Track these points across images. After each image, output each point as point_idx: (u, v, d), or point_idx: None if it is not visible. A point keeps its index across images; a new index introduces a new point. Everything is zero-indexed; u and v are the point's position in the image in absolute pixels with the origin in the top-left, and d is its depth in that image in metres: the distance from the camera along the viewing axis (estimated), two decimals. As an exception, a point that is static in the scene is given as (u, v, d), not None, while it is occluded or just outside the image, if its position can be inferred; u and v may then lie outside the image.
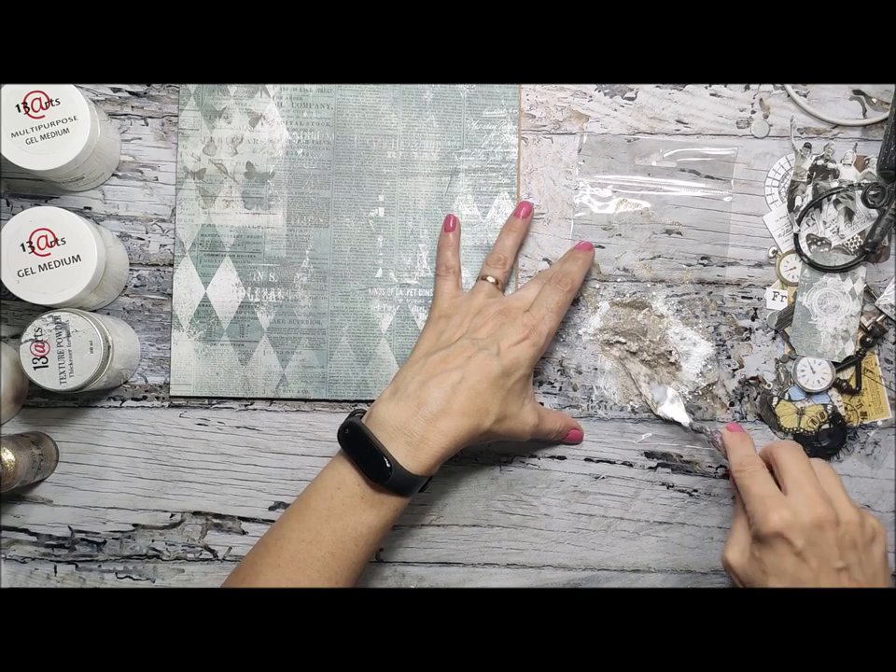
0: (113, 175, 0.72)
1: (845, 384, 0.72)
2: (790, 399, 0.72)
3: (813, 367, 0.71)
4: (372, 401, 0.72)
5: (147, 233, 0.72)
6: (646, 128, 0.73)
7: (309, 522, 0.61)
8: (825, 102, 0.72)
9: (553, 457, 0.72)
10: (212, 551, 0.72)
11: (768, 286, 0.72)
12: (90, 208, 0.72)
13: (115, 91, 0.72)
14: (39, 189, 0.72)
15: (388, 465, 0.60)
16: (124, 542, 0.72)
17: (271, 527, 0.63)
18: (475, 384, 0.62)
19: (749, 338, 0.72)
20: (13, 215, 0.65)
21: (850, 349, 0.71)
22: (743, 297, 0.72)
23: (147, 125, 0.72)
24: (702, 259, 0.72)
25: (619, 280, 0.72)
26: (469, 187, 0.72)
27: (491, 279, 0.69)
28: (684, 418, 0.70)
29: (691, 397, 0.71)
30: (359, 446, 0.61)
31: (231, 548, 0.72)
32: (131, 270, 0.72)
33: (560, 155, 0.73)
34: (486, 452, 0.72)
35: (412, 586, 0.73)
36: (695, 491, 0.72)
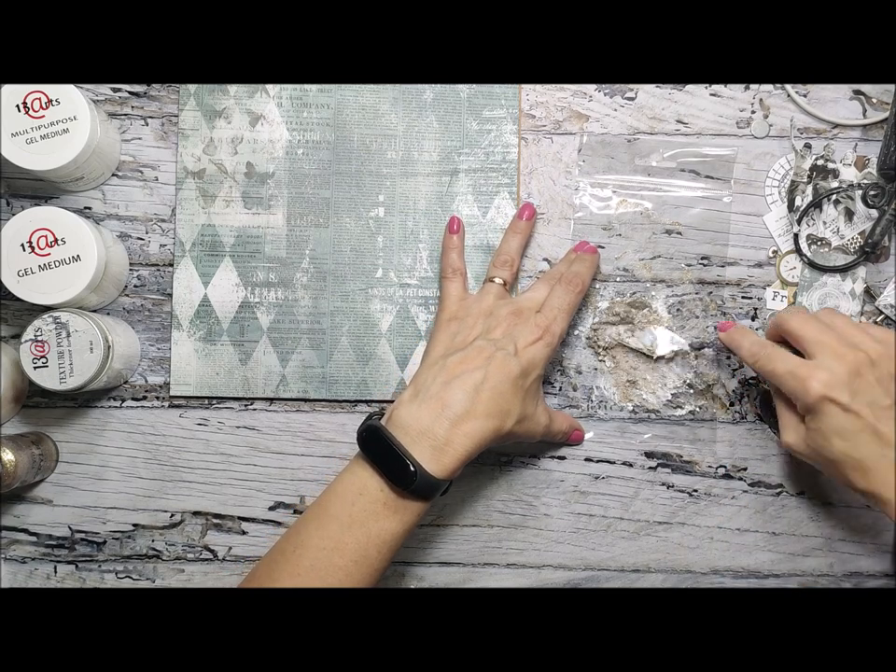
0: (113, 175, 0.72)
1: (845, 384, 0.72)
2: (790, 399, 0.72)
3: (813, 367, 0.71)
4: (373, 401, 0.72)
5: (147, 233, 0.72)
6: (646, 128, 0.73)
7: (329, 529, 0.60)
8: (825, 102, 0.72)
9: (552, 457, 0.72)
10: (212, 551, 0.72)
11: (768, 286, 0.72)
12: (90, 208, 0.72)
13: (115, 90, 0.72)
14: (39, 188, 0.72)
15: (413, 469, 0.59)
16: (124, 542, 0.72)
17: (286, 534, 0.62)
18: (497, 384, 0.62)
19: (748, 338, 0.72)
20: (13, 215, 0.65)
21: (850, 349, 0.71)
22: (743, 297, 0.72)
23: (147, 125, 0.72)
24: (702, 259, 0.72)
25: (619, 280, 0.72)
26: (469, 187, 0.72)
27: (499, 280, 0.69)
28: (682, 343, 0.71)
29: (675, 328, 0.72)
30: (382, 451, 0.60)
31: (230, 548, 0.72)
32: (131, 270, 0.72)
33: (560, 155, 0.73)
34: (486, 452, 0.72)
35: (412, 586, 0.73)
36: (695, 491, 0.72)
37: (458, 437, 0.60)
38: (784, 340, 0.65)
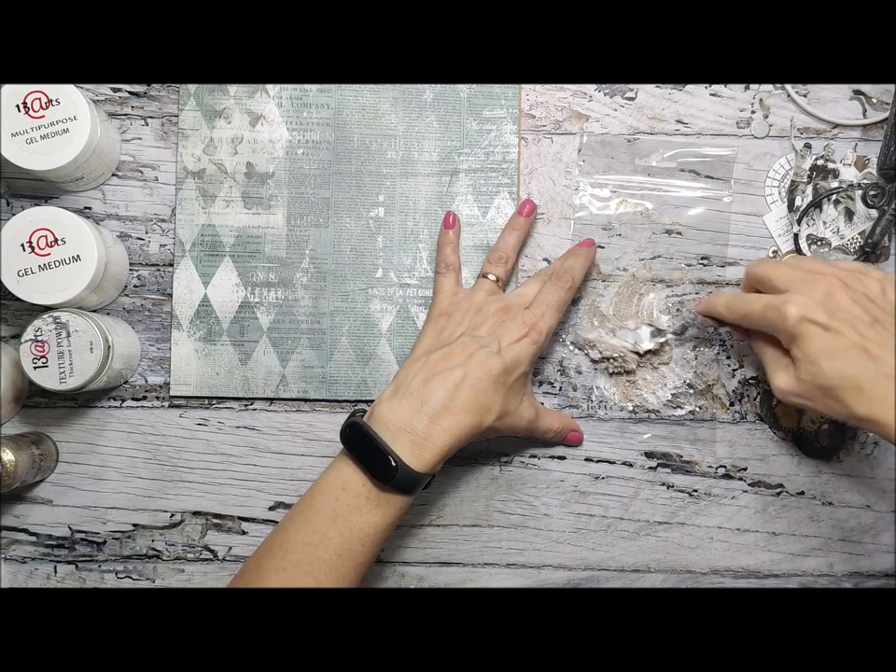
0: (113, 175, 0.72)
1: (845, 384, 0.72)
2: (790, 399, 0.72)
3: (813, 367, 0.71)
4: (373, 401, 0.72)
5: (146, 233, 0.72)
6: (646, 128, 0.73)
7: (314, 524, 0.61)
8: (825, 102, 0.72)
9: (553, 457, 0.72)
10: (212, 551, 0.72)
11: (767, 286, 0.72)
12: (90, 208, 0.72)
13: (115, 90, 0.72)
14: (39, 188, 0.72)
15: (394, 464, 0.60)
16: (124, 542, 0.72)
17: (273, 531, 0.63)
18: (477, 381, 0.62)
19: (748, 338, 0.72)
20: (13, 215, 0.65)
21: (850, 349, 0.71)
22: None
23: (147, 125, 0.72)
24: (702, 259, 0.72)
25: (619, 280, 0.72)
26: (469, 187, 0.72)
27: (492, 277, 0.69)
28: (666, 331, 0.71)
29: (660, 314, 0.72)
30: (364, 446, 0.61)
31: (230, 548, 0.72)
32: (131, 270, 0.72)
33: (560, 155, 0.73)
34: (486, 451, 0.72)
35: (411, 586, 0.73)
36: (695, 491, 0.72)
37: (437, 432, 0.61)
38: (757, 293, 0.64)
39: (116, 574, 0.72)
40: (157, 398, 0.72)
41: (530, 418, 0.67)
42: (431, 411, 0.61)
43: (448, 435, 0.61)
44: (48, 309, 0.65)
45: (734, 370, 0.72)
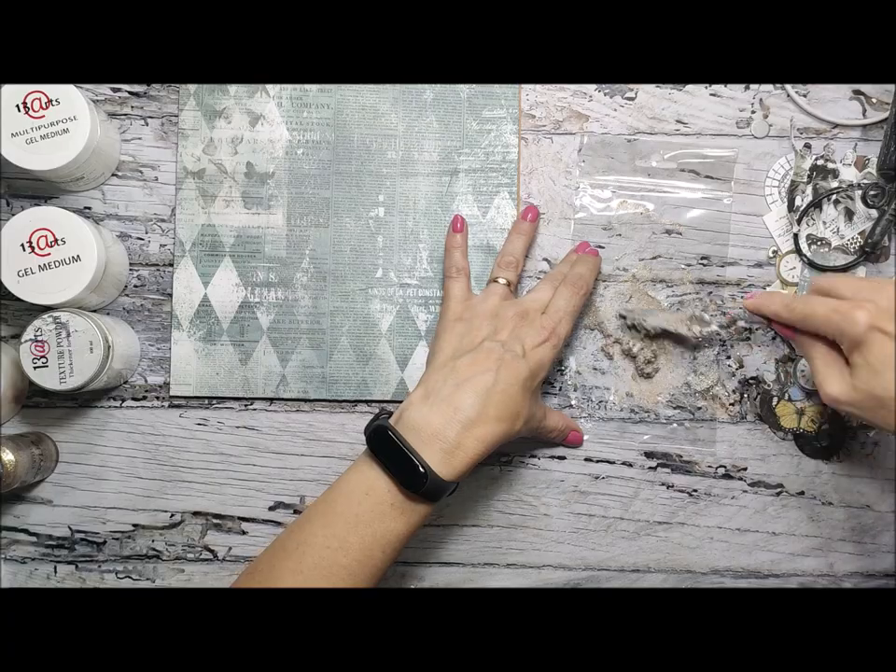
0: (113, 175, 0.72)
1: (845, 384, 0.72)
2: (790, 399, 0.72)
3: (813, 367, 0.71)
4: (373, 401, 0.72)
5: (146, 233, 0.72)
6: (646, 128, 0.73)
7: (334, 528, 0.60)
8: (825, 102, 0.72)
9: (553, 457, 0.72)
10: (212, 551, 0.72)
11: (768, 286, 0.72)
12: (90, 208, 0.72)
13: (115, 90, 0.72)
14: (39, 189, 0.72)
15: (423, 471, 0.59)
16: (124, 542, 0.72)
17: (287, 530, 0.62)
18: (507, 387, 0.62)
19: (749, 338, 0.72)
20: (13, 215, 0.65)
21: (850, 349, 0.71)
22: (743, 297, 0.72)
23: (147, 125, 0.72)
24: (702, 259, 0.72)
25: (619, 280, 0.72)
26: (469, 187, 0.72)
27: (503, 281, 0.69)
28: (710, 322, 0.71)
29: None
30: (392, 452, 0.60)
31: (230, 548, 0.72)
32: (131, 270, 0.72)
33: (560, 155, 0.73)
34: (486, 452, 0.72)
35: (412, 586, 0.73)
36: (695, 491, 0.72)
37: (470, 441, 0.60)
38: None
39: (116, 574, 0.72)
40: (157, 398, 0.72)
41: (541, 417, 0.67)
42: (465, 419, 0.60)
43: (480, 443, 0.60)
44: (48, 309, 0.65)
45: (734, 370, 0.72)
